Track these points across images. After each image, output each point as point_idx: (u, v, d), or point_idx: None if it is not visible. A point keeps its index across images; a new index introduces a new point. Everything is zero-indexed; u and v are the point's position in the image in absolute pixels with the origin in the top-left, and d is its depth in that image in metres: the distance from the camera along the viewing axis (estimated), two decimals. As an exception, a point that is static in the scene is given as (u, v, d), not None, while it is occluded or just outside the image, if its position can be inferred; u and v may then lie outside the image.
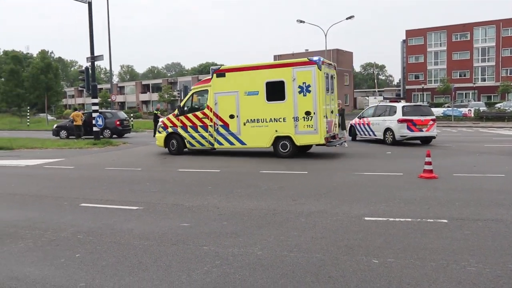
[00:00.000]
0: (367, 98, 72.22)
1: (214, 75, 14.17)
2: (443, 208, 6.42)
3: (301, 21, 35.31)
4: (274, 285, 3.77)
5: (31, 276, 4.15)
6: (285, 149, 13.17)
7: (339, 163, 11.65)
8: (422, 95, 69.29)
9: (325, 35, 35.01)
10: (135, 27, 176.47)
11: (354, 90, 78.53)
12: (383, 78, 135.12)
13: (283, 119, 13.03)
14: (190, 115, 14.79)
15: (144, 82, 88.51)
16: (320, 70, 12.61)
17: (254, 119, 13.45)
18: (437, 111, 35.30)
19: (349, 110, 56.68)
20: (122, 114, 26.42)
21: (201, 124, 14.51)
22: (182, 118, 14.94)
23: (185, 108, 15.05)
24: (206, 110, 14.38)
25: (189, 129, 14.78)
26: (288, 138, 13.07)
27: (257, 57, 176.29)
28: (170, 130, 15.20)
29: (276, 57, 74.01)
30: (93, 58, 20.43)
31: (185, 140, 14.88)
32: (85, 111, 31.28)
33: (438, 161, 11.16)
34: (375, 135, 18.12)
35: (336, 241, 4.96)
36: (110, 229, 5.67)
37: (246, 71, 13.82)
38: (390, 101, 20.00)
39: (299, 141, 12.96)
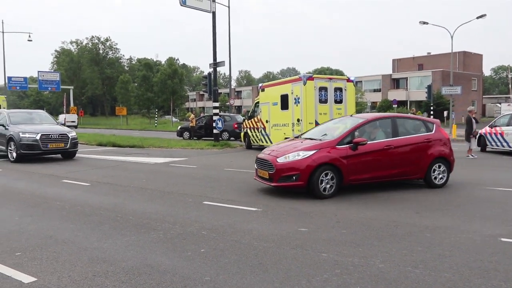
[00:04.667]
0: (498, 105, 65.41)
1: (260, 90, 18.86)
2: None
3: (424, 23, 33.30)
4: (399, 302, 3.57)
5: (163, 265, 4.49)
6: None
7: (466, 175, 10.67)
8: None
9: (451, 37, 32.48)
10: (252, 33, 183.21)
11: (483, 96, 71.68)
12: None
13: (287, 124, 16.16)
14: (251, 120, 19.71)
15: (259, 87, 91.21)
16: (304, 85, 15.12)
17: (276, 124, 17.11)
18: None
19: (477, 117, 51.88)
20: (240, 118, 27.55)
21: (256, 127, 19.06)
22: (248, 122, 20.02)
23: (250, 115, 20.19)
24: (258, 117, 18.89)
25: (251, 130, 19.70)
26: None
27: (374, 62, 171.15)
28: (244, 130, 20.52)
29: (394, 62, 70.97)
30: (215, 64, 21.62)
31: (250, 138, 19.65)
32: (206, 114, 33.40)
33: None
34: (510, 146, 16.30)
35: (468, 261, 4.53)
36: (231, 228, 5.91)
37: (273, 86, 17.81)
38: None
39: None
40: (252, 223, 6.20)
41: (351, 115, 9.83)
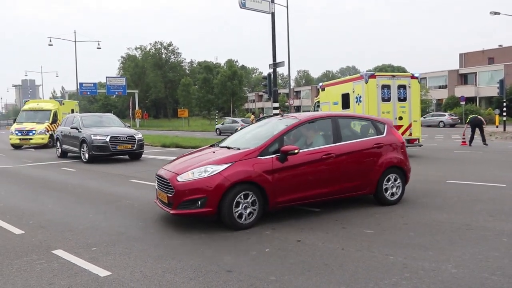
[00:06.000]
0: None
1: (321, 89, 18.64)
2: None
3: (495, 13, 31.37)
4: (476, 310, 3.38)
5: (229, 263, 4.56)
6: None
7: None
8: None
9: (526, 28, 30.36)
10: (310, 32, 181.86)
11: (562, 91, 66.01)
12: None
13: None
14: None
15: (319, 86, 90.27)
16: (366, 83, 14.72)
17: None
18: None
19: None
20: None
21: None
22: None
23: None
24: None
25: None
26: None
27: (439, 57, 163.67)
28: None
29: (462, 56, 67.47)
30: (275, 64, 21.66)
31: None
32: (265, 115, 33.70)
33: None
34: None
35: (552, 269, 4.20)
36: (295, 228, 5.88)
37: (334, 86, 17.69)
38: None
39: None
40: (316, 223, 6.14)
41: (282, 115, 7.80)
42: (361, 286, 3.89)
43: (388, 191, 7.18)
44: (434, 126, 42.66)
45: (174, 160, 7.20)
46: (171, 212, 6.03)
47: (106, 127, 16.10)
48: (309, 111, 20.62)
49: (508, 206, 6.96)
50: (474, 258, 4.55)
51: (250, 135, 7.31)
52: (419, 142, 15.46)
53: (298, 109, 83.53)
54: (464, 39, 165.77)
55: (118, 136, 15.16)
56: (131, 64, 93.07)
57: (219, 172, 5.84)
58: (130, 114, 63.32)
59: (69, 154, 17.27)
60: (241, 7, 19.87)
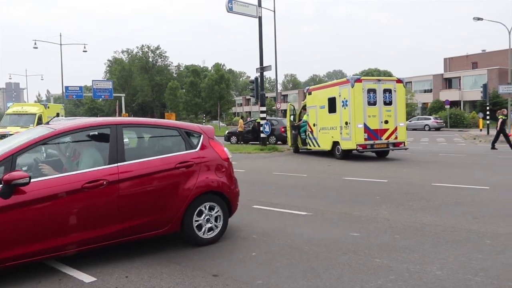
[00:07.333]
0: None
1: (307, 93, 18.67)
2: None
3: (478, 19, 31.95)
4: (460, 311, 3.42)
5: (215, 268, 4.56)
6: (338, 152, 15.97)
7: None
8: None
9: (509, 32, 30.95)
10: (297, 36, 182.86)
11: (544, 95, 67.27)
12: None
13: (335, 128, 16.00)
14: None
15: (305, 90, 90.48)
16: (352, 87, 14.87)
17: (323, 127, 17.01)
18: None
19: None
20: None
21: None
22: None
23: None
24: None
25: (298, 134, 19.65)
26: (338, 143, 15.88)
27: (424, 62, 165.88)
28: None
29: (446, 60, 68.40)
30: (262, 68, 21.76)
31: (298, 142, 19.39)
32: (252, 119, 33.71)
33: None
34: None
35: (534, 270, 4.27)
36: (281, 232, 5.91)
37: (320, 90, 17.81)
38: None
39: (343, 146, 15.58)
40: (302, 227, 6.18)
41: (47, 123, 5.63)
42: (347, 289, 3.92)
43: (202, 226, 5.31)
44: (420, 130, 43.11)
45: None
46: None
47: (92, 131, 15.94)
48: (294, 114, 20.14)
49: (492, 209, 7.07)
50: (457, 260, 4.61)
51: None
52: (404, 146, 15.64)
53: (285, 113, 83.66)
54: (448, 44, 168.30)
55: (104, 140, 15.01)
56: (117, 67, 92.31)
57: None
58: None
59: (54, 159, 17.02)
60: (228, 11, 19.93)
